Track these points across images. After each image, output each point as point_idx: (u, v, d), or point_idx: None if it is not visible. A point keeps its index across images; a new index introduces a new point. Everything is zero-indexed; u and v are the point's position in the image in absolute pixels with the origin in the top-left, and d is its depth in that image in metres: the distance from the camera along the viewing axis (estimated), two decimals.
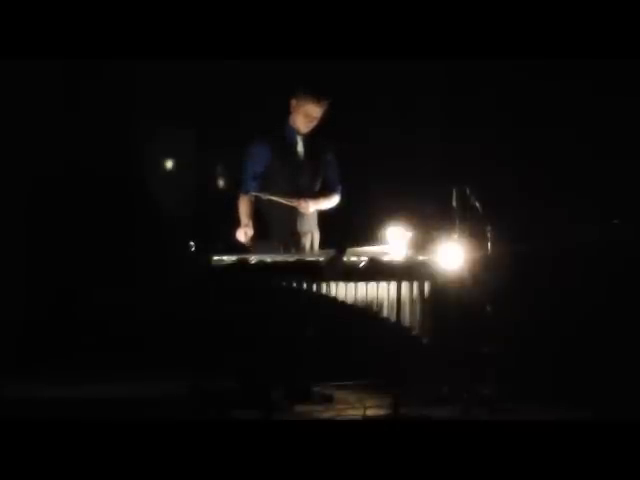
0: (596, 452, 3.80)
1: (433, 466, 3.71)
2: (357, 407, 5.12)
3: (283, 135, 5.31)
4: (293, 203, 5.21)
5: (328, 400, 5.33)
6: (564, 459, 3.76)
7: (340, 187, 5.41)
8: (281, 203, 5.20)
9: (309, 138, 5.30)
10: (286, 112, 5.29)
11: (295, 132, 5.29)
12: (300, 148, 5.31)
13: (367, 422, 4.81)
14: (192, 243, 5.41)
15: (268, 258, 4.80)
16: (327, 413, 5.04)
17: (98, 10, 5.10)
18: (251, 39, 5.26)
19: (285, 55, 5.35)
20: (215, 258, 4.76)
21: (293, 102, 5.25)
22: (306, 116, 5.22)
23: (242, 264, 4.73)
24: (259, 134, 5.30)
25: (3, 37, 5.06)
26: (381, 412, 5.00)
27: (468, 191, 5.00)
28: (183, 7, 5.15)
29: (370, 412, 5.01)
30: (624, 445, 3.85)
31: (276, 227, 5.24)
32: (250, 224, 5.20)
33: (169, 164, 6.99)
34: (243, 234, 5.15)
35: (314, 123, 5.26)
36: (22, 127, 6.45)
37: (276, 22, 5.22)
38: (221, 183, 6.87)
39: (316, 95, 5.18)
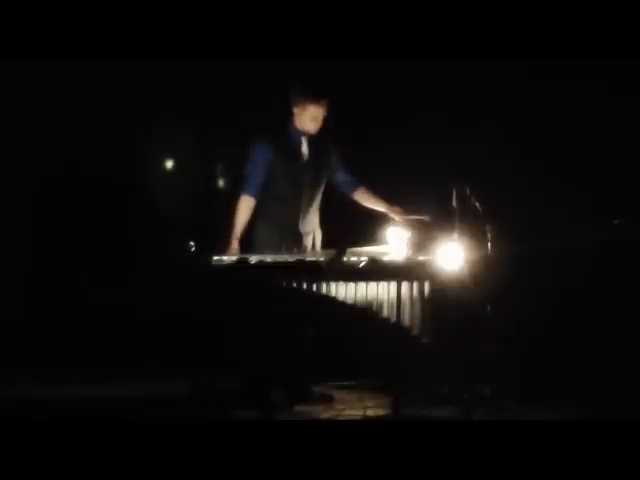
0: (596, 452, 3.79)
1: (433, 466, 3.71)
2: (357, 407, 5.12)
3: (287, 135, 5.28)
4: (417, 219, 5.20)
5: (328, 400, 5.33)
6: (564, 459, 3.75)
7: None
8: (288, 204, 5.20)
9: (314, 138, 5.28)
10: (286, 111, 5.26)
11: (300, 133, 5.27)
12: (305, 148, 5.28)
13: (367, 422, 4.81)
14: (192, 243, 5.41)
15: (268, 258, 4.80)
16: (327, 413, 5.04)
17: (97, 10, 5.10)
18: (250, 39, 5.26)
19: (284, 55, 5.35)
20: (215, 258, 4.75)
21: (296, 109, 5.22)
22: (312, 119, 5.20)
23: (242, 264, 4.73)
24: (261, 133, 5.28)
25: (2, 37, 5.06)
26: (381, 412, 5.01)
27: (468, 191, 4.99)
28: (182, 7, 5.15)
29: (370, 412, 5.01)
30: (624, 445, 3.84)
31: (278, 227, 5.23)
32: (240, 234, 5.17)
33: (169, 164, 6.99)
34: (234, 250, 5.11)
35: (320, 122, 5.25)
36: (21, 127, 6.45)
37: (275, 22, 5.22)
38: (221, 183, 6.88)
39: (314, 96, 5.17)
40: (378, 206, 5.32)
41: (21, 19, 5.05)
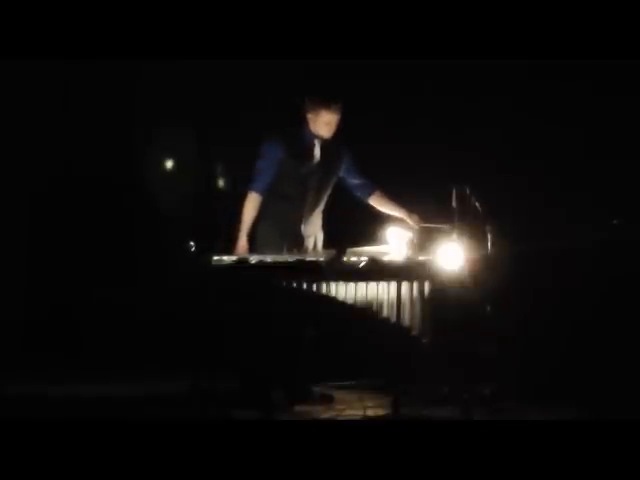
0: (596, 452, 3.80)
1: (433, 466, 3.71)
2: (357, 407, 5.12)
3: (299, 136, 5.24)
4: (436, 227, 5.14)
5: (328, 400, 5.33)
6: (564, 459, 3.76)
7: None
8: (292, 205, 5.19)
9: (327, 142, 5.25)
10: (297, 111, 5.23)
11: (313, 136, 5.24)
12: (317, 151, 5.25)
13: (367, 422, 4.81)
14: (192, 243, 5.41)
15: (268, 258, 4.80)
16: (327, 413, 5.04)
17: (97, 10, 5.10)
18: (250, 39, 5.26)
19: (284, 55, 5.35)
20: (215, 258, 4.75)
21: (309, 115, 5.19)
22: (326, 124, 5.17)
23: (242, 264, 4.74)
24: (273, 132, 5.24)
25: (3, 37, 5.06)
26: (381, 412, 5.01)
27: (468, 191, 5.00)
28: (182, 7, 5.15)
29: (370, 412, 5.01)
30: (624, 445, 3.85)
31: (280, 227, 5.22)
32: (248, 231, 5.17)
33: (169, 164, 6.99)
34: (244, 249, 5.12)
35: (334, 127, 5.23)
36: (21, 127, 6.45)
37: (275, 22, 5.22)
38: (221, 183, 6.88)
39: (326, 102, 5.15)
40: (396, 211, 5.29)
41: (21, 19, 5.06)
